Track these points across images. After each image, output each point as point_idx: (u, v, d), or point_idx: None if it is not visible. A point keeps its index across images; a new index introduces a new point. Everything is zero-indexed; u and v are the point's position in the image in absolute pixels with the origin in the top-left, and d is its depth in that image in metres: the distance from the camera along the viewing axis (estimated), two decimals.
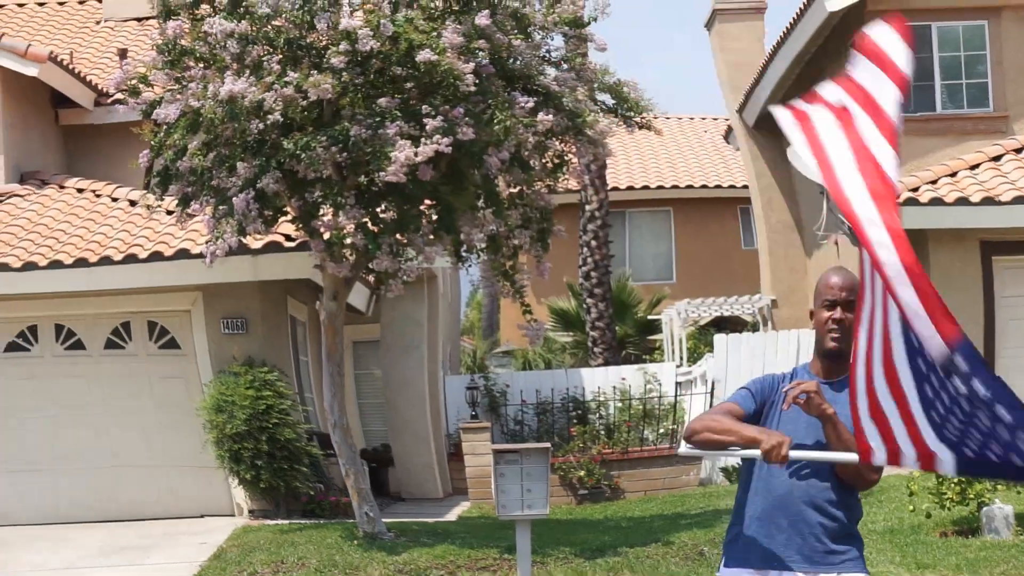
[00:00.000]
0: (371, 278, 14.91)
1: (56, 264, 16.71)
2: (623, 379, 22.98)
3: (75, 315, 17.40)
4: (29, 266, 16.73)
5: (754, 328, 25.91)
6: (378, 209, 13.16)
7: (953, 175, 17.96)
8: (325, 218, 13.12)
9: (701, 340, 26.76)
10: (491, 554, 13.91)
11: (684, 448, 5.32)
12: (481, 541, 14.59)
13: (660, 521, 16.23)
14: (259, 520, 16.53)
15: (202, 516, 16.98)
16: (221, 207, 13.09)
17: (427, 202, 13.36)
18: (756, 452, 5.10)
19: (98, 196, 18.58)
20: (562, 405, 22.67)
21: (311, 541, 14.36)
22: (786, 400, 5.18)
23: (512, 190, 13.38)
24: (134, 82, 13.79)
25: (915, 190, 17.47)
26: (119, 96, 15.50)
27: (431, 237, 13.34)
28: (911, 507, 13.74)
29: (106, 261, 16.62)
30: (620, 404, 22.43)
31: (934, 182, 17.71)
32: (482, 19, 12.73)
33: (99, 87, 20.20)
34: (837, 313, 5.24)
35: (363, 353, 22.90)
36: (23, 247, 17.12)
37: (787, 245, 25.31)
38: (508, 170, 13.00)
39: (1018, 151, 18.61)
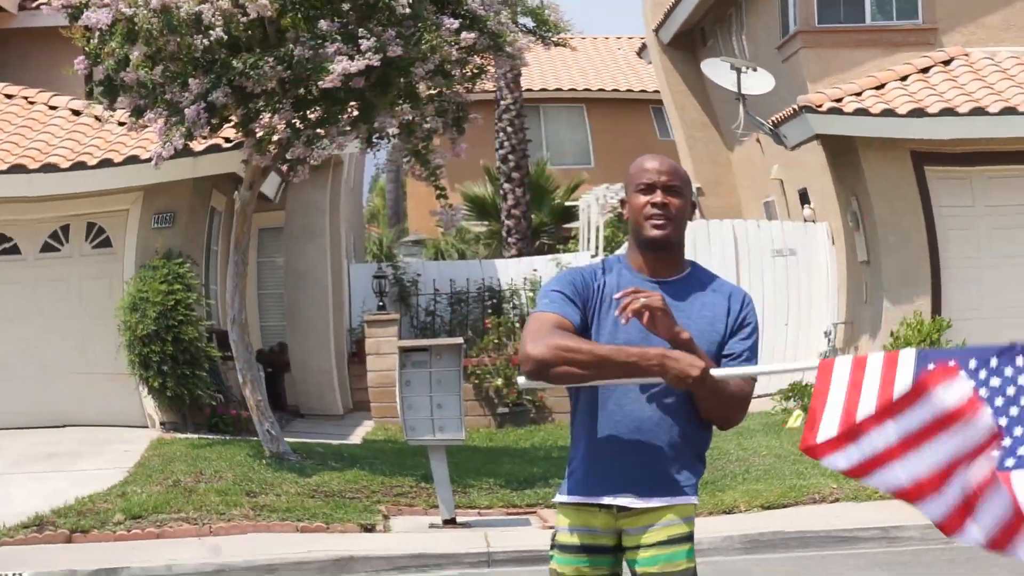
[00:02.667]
0: (284, 167, 14.97)
1: (18, 168, 16.50)
2: (535, 270, 22.40)
3: (12, 220, 17.28)
4: None
5: None
6: (308, 111, 13.67)
7: (881, 87, 18.01)
8: (262, 120, 13.38)
9: (620, 228, 25.19)
10: (406, 482, 13.72)
11: (524, 381, 4.54)
12: (393, 468, 14.31)
13: None
14: (170, 433, 16.46)
15: (120, 426, 16.82)
16: (173, 118, 13.35)
17: (351, 103, 13.79)
18: (656, 380, 4.44)
19: (31, 103, 18.21)
20: (477, 295, 22.08)
21: (222, 457, 14.43)
22: (622, 311, 4.42)
23: (431, 91, 13.76)
24: None
25: (839, 100, 17.48)
26: None
27: (348, 128, 13.75)
28: None
29: (51, 168, 16.51)
30: (531, 295, 21.65)
31: (859, 94, 17.75)
32: None
33: None
34: (657, 197, 4.57)
35: (268, 240, 21.99)
36: None
37: (706, 140, 25.31)
38: (431, 79, 13.45)
39: (946, 63, 18.67)
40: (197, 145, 15.15)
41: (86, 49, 13.59)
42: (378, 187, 44.08)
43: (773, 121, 18.70)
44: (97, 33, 13.38)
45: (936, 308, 17.27)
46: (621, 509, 4.61)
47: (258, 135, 13.45)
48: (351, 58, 12.74)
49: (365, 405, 20.22)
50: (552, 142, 32.83)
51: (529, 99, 30.26)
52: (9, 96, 18.44)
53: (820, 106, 17.33)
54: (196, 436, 16.15)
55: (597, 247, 24.38)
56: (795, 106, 17.61)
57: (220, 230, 18.85)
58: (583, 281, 4.64)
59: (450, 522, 12.43)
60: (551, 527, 11.75)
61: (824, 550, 11.12)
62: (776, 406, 17.35)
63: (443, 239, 29.05)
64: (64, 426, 16.89)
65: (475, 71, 14.30)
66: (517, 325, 20.70)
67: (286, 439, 15.02)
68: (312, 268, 21.15)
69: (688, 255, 4.76)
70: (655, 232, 4.57)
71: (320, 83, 12.79)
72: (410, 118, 13.61)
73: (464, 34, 13.24)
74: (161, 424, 16.76)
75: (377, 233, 35.90)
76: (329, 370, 21.06)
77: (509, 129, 26.77)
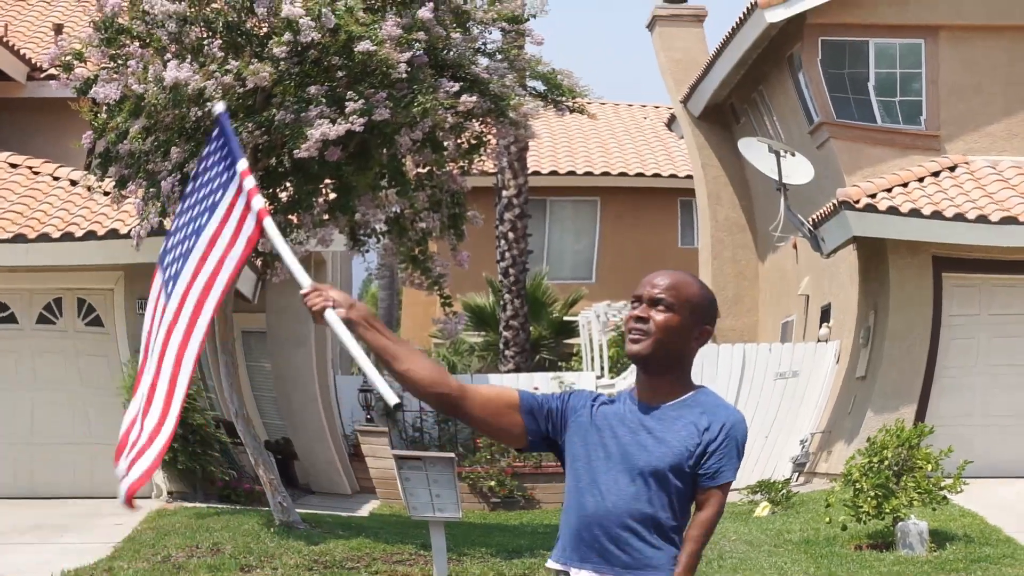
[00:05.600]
0: (258, 262, 14.76)
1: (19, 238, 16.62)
2: (535, 388, 21.13)
3: (10, 289, 17.35)
4: None
5: None
6: (278, 189, 13.30)
7: (905, 185, 18.26)
8: None
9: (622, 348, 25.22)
10: (407, 549, 13.91)
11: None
12: (396, 537, 14.56)
13: None
14: (177, 503, 16.43)
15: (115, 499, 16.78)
16: (151, 189, 13.29)
17: (326, 181, 13.36)
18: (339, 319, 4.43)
19: (36, 173, 18.33)
20: None
21: (227, 527, 14.27)
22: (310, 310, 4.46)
23: (420, 170, 13.24)
24: (68, 58, 13.74)
25: (873, 196, 17.69)
26: (52, 71, 15.34)
27: (325, 217, 13.25)
28: (827, 519, 13.80)
29: (45, 238, 16.61)
30: None
31: (889, 190, 17.94)
32: (425, 12, 12.78)
33: (32, 61, 19.96)
34: (639, 310, 4.47)
35: (253, 344, 21.83)
36: None
37: (735, 246, 24.68)
38: (419, 151, 12.97)
39: (951, 169, 18.83)
40: (168, 223, 14.93)
41: (93, 124, 13.60)
42: (370, 294, 42.75)
43: (813, 220, 18.71)
44: (104, 108, 13.40)
45: (920, 416, 17.44)
46: None
47: None
48: (333, 122, 12.28)
49: (371, 488, 20.69)
50: (554, 250, 30.23)
51: (536, 187, 27.89)
52: (14, 165, 18.51)
53: (857, 202, 17.51)
54: (205, 505, 16.11)
55: (602, 368, 23.59)
56: (835, 201, 17.70)
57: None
58: (585, 396, 4.66)
59: None
60: None
61: None
62: (743, 499, 17.58)
63: (435, 352, 27.83)
64: (57, 498, 16.75)
65: (471, 142, 13.59)
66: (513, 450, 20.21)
67: (297, 511, 14.93)
68: (299, 375, 20.97)
69: (695, 378, 4.71)
70: (630, 346, 4.49)
71: (295, 151, 12.30)
72: (398, 210, 13.10)
73: (464, 97, 12.70)
74: (169, 493, 16.76)
75: None
76: (333, 460, 21.31)
77: (511, 235, 25.30)
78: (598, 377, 22.39)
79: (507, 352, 25.30)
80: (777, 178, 18.93)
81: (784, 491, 16.64)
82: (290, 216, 13.15)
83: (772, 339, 22.67)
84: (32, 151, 19.07)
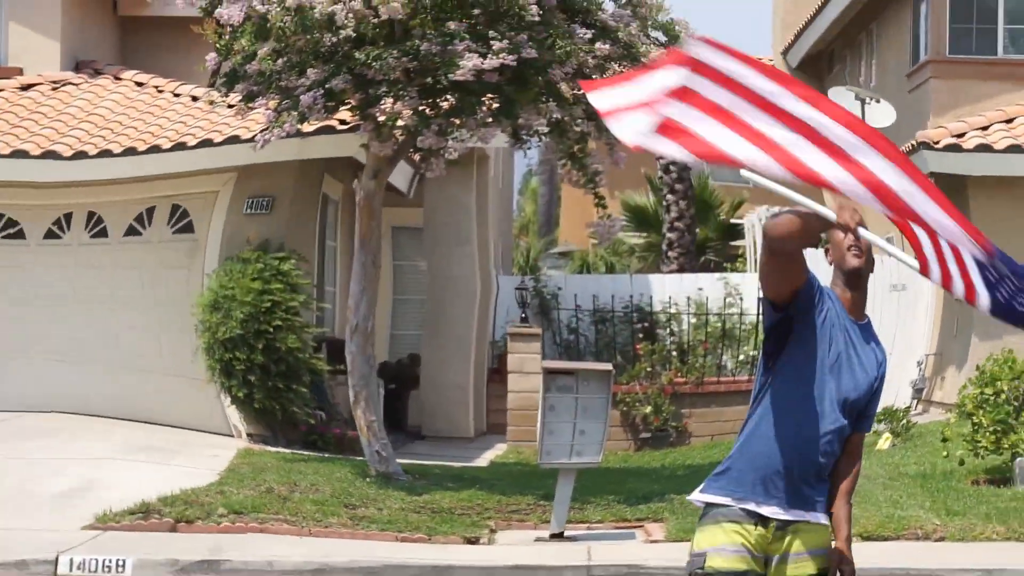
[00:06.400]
0: (416, 157, 14.58)
1: (106, 153, 16.22)
2: (700, 289, 20.78)
3: (108, 202, 16.77)
4: (79, 155, 16.32)
5: None
6: (439, 100, 13.30)
7: (1010, 121, 17.86)
8: (384, 106, 13.15)
9: None
10: (525, 500, 13.15)
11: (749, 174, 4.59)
12: (515, 488, 13.66)
13: None
14: (259, 445, 15.28)
15: (203, 432, 15.82)
16: (285, 102, 13.11)
17: (488, 96, 13.37)
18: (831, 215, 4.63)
19: (160, 92, 18.20)
20: (625, 315, 20.50)
21: (319, 473, 13.47)
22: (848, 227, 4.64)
23: (576, 92, 13.24)
24: None
25: (960, 136, 17.26)
26: None
27: (489, 121, 13.30)
28: (944, 453, 13.64)
29: (155, 150, 16.10)
30: (695, 320, 20.04)
31: (985, 128, 17.58)
32: None
33: None
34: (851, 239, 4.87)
35: (404, 241, 20.72)
36: (74, 136, 16.81)
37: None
38: (570, 80, 13.09)
39: None
40: (307, 127, 14.44)
41: (217, 46, 13.46)
42: (530, 190, 42.31)
43: None
44: (228, 29, 13.32)
45: None
46: (767, 523, 4.82)
47: (380, 119, 13.07)
48: (483, 56, 12.34)
49: (500, 428, 19.21)
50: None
51: None
52: (139, 84, 18.63)
53: (938, 143, 17.15)
54: (289, 451, 14.98)
55: None
56: (913, 142, 17.46)
57: (339, 223, 17.89)
58: (823, 290, 4.92)
59: (557, 536, 11.96)
60: (654, 541, 11.69)
61: None
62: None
63: (592, 251, 27.98)
64: (149, 423, 16.10)
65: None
66: (674, 354, 19.55)
67: (398, 460, 14.07)
68: (460, 275, 19.82)
69: None
70: (853, 261, 4.86)
71: (450, 75, 12.37)
72: (559, 116, 13.20)
73: (599, 44, 12.91)
74: (248, 436, 15.59)
75: (525, 243, 34.94)
76: (465, 386, 19.77)
77: None
78: None
79: (670, 253, 25.34)
80: None
81: (904, 421, 16.29)
82: (453, 120, 13.10)
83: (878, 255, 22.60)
84: (158, 70, 19.13)
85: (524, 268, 27.73)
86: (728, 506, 4.84)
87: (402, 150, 13.94)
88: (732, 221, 28.14)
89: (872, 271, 4.96)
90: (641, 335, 20.13)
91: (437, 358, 19.66)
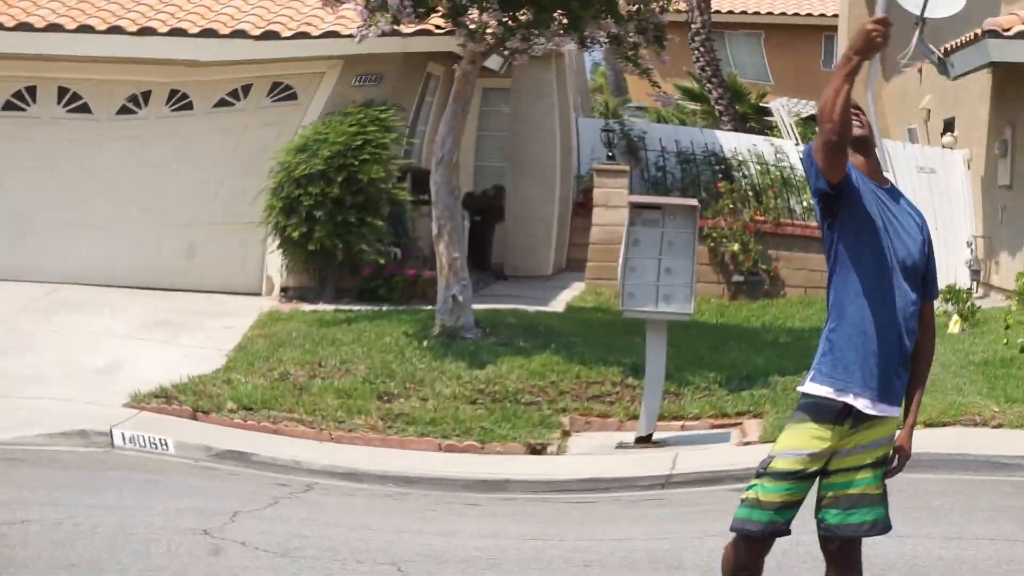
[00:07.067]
0: (505, 52, 15.48)
1: (209, 33, 15.84)
2: (754, 145, 21.99)
3: (192, 80, 16.34)
4: (176, 32, 16.01)
5: None
6: (517, 12, 14.18)
7: None
8: (471, 16, 13.86)
9: (808, 129, 27.32)
10: (608, 375, 11.37)
11: None
12: (596, 353, 11.89)
13: None
14: (292, 303, 14.18)
15: (227, 293, 15.43)
16: (373, 2, 13.41)
17: (557, 12, 14.73)
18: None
19: None
20: (704, 158, 21.54)
21: (360, 339, 11.73)
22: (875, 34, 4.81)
23: (631, 7, 14.89)
24: None
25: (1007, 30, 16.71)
26: None
27: (560, 33, 14.73)
28: (1005, 340, 13.31)
29: (240, 35, 15.81)
30: (759, 168, 21.18)
31: None
32: None
33: None
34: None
35: (493, 97, 21.02)
36: (139, 12, 16.55)
37: (865, 67, 25.30)
38: None
39: None
40: (406, 28, 14.81)
41: None
42: (599, 72, 45.06)
43: (945, 49, 18.33)
44: None
45: None
46: (850, 418, 4.85)
47: (471, 27, 13.69)
48: None
49: (579, 265, 19.04)
50: (736, 63, 36.40)
51: (715, 23, 31.66)
52: None
53: (1008, 30, 16.59)
54: (332, 307, 13.76)
55: (797, 140, 25.36)
56: (978, 30, 17.04)
57: (440, 87, 17.89)
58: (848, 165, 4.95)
59: (644, 440, 10.61)
60: (748, 443, 10.59)
61: (982, 474, 10.32)
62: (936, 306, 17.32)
63: (664, 110, 30.00)
64: (173, 290, 15.67)
65: None
66: (750, 194, 20.39)
67: (474, 306, 13.28)
68: (541, 117, 19.99)
69: None
70: (857, 130, 4.92)
71: None
72: (616, 31, 14.60)
73: None
74: (282, 291, 14.85)
75: (602, 99, 36.39)
76: (549, 219, 19.57)
77: (701, 49, 28.57)
78: (796, 144, 22.80)
79: (724, 117, 27.76)
80: (919, 13, 18.93)
81: (969, 303, 15.97)
82: (531, 30, 14.02)
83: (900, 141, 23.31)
84: None
85: (605, 115, 29.03)
86: (825, 400, 4.86)
87: (493, 49, 14.69)
88: (761, 104, 30.95)
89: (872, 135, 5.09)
90: (720, 176, 21.13)
91: (522, 189, 19.61)
